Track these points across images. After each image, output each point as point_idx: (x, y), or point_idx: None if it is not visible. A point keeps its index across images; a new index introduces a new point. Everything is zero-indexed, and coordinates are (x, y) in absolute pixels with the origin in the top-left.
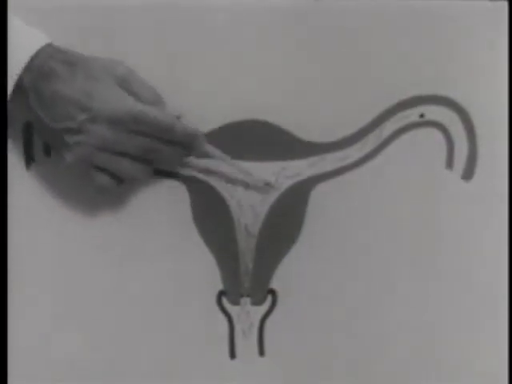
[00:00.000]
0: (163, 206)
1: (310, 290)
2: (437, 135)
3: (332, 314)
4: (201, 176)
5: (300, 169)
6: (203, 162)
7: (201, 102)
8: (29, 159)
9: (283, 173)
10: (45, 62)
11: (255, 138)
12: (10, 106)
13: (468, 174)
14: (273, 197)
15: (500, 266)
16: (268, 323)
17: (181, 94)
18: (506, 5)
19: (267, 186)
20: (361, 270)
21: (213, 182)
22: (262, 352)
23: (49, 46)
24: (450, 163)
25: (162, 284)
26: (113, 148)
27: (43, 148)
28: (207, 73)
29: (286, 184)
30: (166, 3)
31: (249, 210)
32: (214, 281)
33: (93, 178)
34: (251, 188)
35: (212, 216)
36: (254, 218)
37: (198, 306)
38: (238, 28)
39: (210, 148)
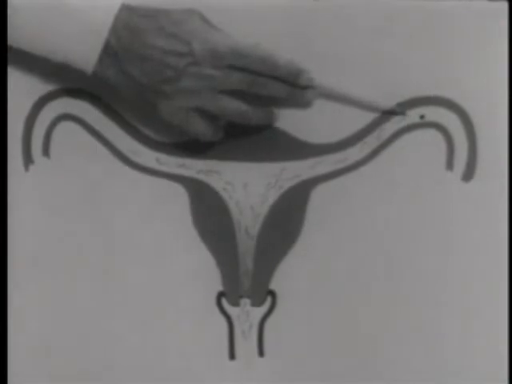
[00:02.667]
0: (163, 207)
1: (309, 291)
2: (437, 136)
3: (332, 315)
4: (200, 177)
5: (300, 170)
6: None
7: None
8: (28, 160)
9: (283, 174)
10: (128, 20)
11: (255, 139)
12: (97, 70)
13: (468, 175)
14: (272, 198)
15: (500, 267)
16: (267, 324)
17: None
18: (506, 5)
19: (390, 111)
20: (361, 271)
21: (212, 182)
22: (261, 353)
23: (125, 5)
24: (450, 164)
25: (161, 285)
26: (215, 86)
27: (42, 149)
28: None
29: (285, 185)
30: (167, 3)
31: (248, 211)
32: (214, 282)
33: (190, 125)
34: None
35: (211, 217)
36: (254, 219)
37: (198, 307)
38: (237, 28)
39: (319, 84)
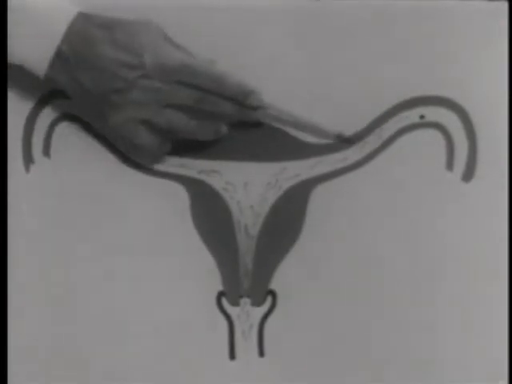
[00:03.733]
0: (163, 207)
1: (309, 290)
2: (437, 136)
3: (332, 315)
4: (201, 177)
5: (300, 170)
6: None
7: None
8: (28, 161)
9: (283, 174)
10: (82, 28)
11: (255, 139)
12: (49, 74)
13: (468, 175)
14: (273, 198)
15: (500, 267)
16: (268, 324)
17: None
18: (506, 5)
19: (339, 139)
20: (361, 271)
21: (213, 182)
22: (261, 353)
23: (81, 13)
24: (450, 164)
25: (161, 284)
26: (165, 100)
27: (43, 149)
28: None
29: (286, 185)
30: (166, 3)
31: (249, 211)
32: (214, 282)
33: (137, 137)
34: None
35: (212, 217)
36: (254, 219)
37: (198, 307)
38: (237, 28)
39: (268, 105)
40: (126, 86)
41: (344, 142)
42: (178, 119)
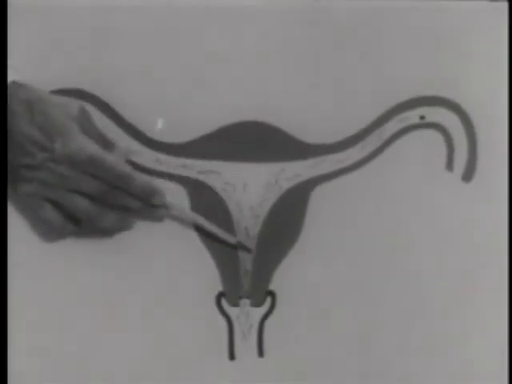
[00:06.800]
0: None
1: (309, 291)
2: (437, 137)
3: (331, 315)
4: (200, 177)
5: (300, 170)
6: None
7: (200, 103)
8: None
9: (283, 174)
10: (10, 96)
11: (255, 140)
12: None
13: (468, 175)
14: (272, 198)
15: (500, 267)
16: (267, 325)
17: (181, 96)
18: (506, 5)
19: (238, 245)
20: (361, 271)
21: (212, 183)
22: (261, 353)
23: (15, 83)
24: (450, 164)
25: (161, 285)
26: (70, 186)
27: None
28: (207, 73)
29: (285, 185)
30: (165, 3)
31: (248, 212)
32: (214, 282)
33: (41, 212)
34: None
35: (211, 217)
36: (254, 220)
37: (198, 308)
38: (237, 28)
39: (170, 205)
40: (34, 164)
41: (243, 249)
42: (82, 205)
